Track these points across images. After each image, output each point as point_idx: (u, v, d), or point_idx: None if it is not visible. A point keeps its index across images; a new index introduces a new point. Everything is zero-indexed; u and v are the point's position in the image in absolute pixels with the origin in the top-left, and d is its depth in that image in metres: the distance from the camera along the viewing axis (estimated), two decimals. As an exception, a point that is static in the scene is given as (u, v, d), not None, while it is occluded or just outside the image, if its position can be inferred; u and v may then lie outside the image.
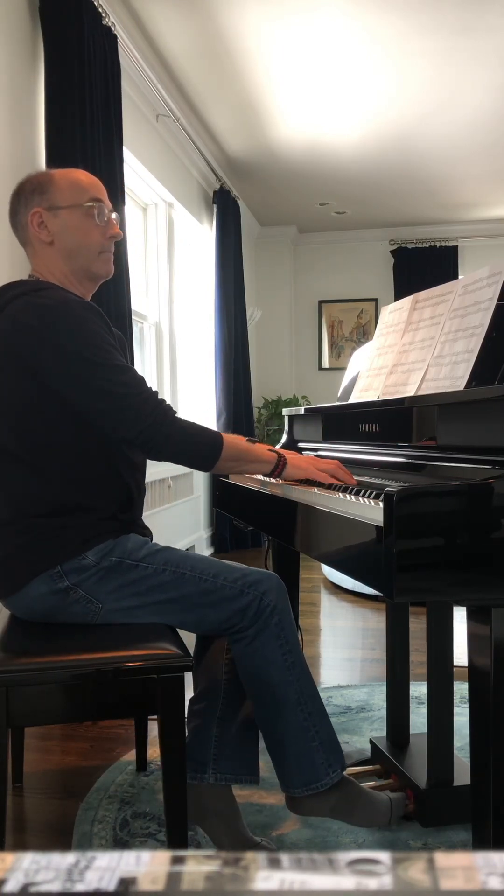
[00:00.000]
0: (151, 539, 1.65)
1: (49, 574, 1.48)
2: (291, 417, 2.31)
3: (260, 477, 1.90)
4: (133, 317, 3.71)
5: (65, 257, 1.60)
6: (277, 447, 1.99)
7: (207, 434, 1.53)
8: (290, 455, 1.64)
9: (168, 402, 1.64)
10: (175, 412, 1.52)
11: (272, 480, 1.79)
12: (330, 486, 1.59)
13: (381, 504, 1.10)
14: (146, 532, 1.66)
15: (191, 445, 1.51)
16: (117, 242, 1.71)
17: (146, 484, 1.73)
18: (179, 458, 1.53)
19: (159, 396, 1.51)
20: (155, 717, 1.44)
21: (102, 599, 1.50)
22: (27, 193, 1.59)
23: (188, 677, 1.48)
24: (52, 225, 1.58)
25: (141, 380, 1.51)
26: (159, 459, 1.54)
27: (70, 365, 1.45)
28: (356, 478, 1.62)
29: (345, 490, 1.50)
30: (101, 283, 1.69)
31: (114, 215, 1.65)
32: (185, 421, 1.52)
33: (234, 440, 1.56)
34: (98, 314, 1.53)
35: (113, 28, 3.07)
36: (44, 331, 1.44)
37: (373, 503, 1.25)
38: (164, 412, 1.49)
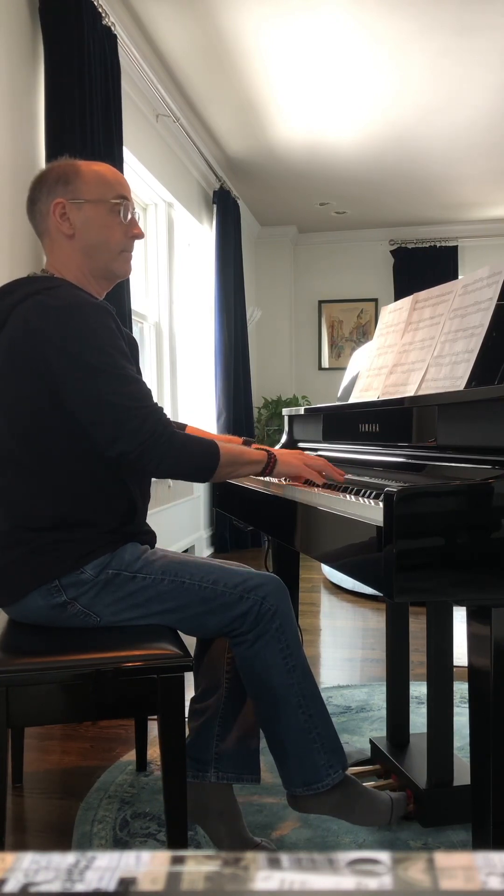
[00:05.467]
0: (154, 543, 1.63)
1: (47, 588, 1.45)
2: (291, 417, 2.31)
3: (261, 477, 1.90)
4: (133, 317, 3.71)
5: (84, 253, 1.55)
6: (277, 447, 1.99)
7: (204, 444, 1.48)
8: (279, 452, 1.61)
9: (168, 414, 1.60)
10: (172, 427, 1.46)
11: (273, 480, 1.79)
12: (322, 486, 1.59)
13: (381, 504, 1.10)
14: (148, 537, 1.62)
15: (189, 458, 1.45)
16: None
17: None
18: (177, 473, 1.47)
19: (163, 411, 1.46)
20: (155, 717, 1.44)
21: (100, 613, 1.48)
22: (51, 182, 1.54)
23: (188, 677, 1.48)
24: (74, 217, 1.53)
25: (147, 393, 1.45)
26: (155, 476, 1.48)
27: (73, 370, 1.39)
28: (356, 477, 1.62)
29: (345, 490, 1.50)
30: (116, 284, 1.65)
31: (137, 215, 1.61)
32: (182, 434, 1.46)
33: (226, 446, 1.51)
34: (111, 316, 1.47)
35: (113, 28, 3.07)
36: (51, 332, 1.39)
37: (373, 503, 1.25)
38: (164, 425, 1.42)
